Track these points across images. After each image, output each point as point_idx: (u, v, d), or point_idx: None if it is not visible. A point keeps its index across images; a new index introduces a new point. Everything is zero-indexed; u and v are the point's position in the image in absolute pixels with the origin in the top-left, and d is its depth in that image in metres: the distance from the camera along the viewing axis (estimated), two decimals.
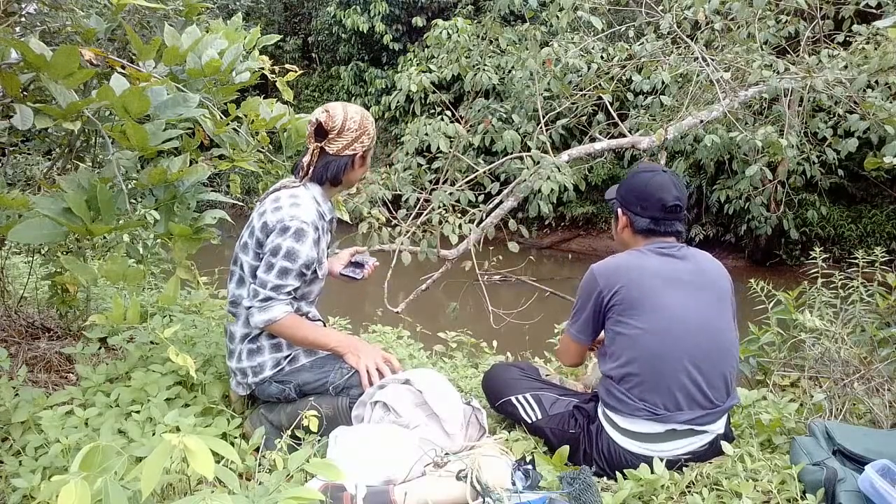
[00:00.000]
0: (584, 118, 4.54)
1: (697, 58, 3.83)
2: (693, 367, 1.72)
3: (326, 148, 1.90)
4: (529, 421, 1.98)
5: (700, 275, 1.81)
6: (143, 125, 1.65)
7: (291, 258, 1.81)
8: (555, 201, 3.43)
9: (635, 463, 1.72)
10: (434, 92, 4.44)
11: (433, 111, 4.69)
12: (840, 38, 4.07)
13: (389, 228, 3.46)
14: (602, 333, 1.89)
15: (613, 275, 1.80)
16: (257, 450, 1.70)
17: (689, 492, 1.65)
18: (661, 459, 1.70)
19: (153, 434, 1.75)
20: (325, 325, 2.14)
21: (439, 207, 3.48)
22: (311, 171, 1.93)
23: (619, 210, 1.92)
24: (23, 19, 2.13)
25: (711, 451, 1.79)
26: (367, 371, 1.87)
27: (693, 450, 1.77)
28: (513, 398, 2.03)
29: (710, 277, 1.83)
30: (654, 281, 1.77)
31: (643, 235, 1.87)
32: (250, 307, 1.85)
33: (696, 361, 1.73)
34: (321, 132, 1.89)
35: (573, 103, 4.36)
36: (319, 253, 1.92)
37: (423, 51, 5.27)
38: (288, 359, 1.95)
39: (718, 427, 1.78)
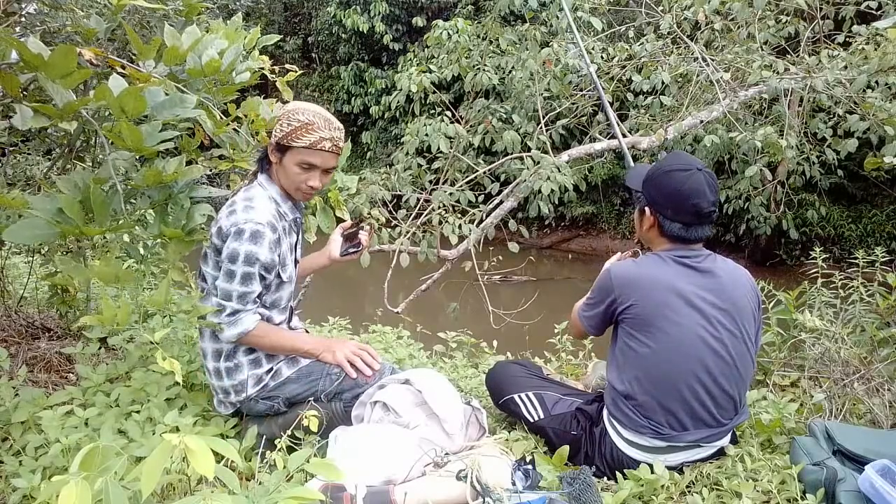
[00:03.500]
0: (584, 118, 4.53)
1: (697, 58, 3.83)
2: (702, 389, 1.68)
3: None
4: (531, 420, 1.98)
5: (720, 293, 1.71)
6: (139, 126, 1.65)
7: (250, 261, 1.75)
8: (555, 202, 3.42)
9: (636, 467, 1.72)
10: (434, 92, 4.44)
11: (433, 111, 4.68)
12: (840, 38, 4.06)
13: (389, 229, 3.45)
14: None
15: (630, 286, 1.73)
16: (253, 449, 1.69)
17: (689, 492, 1.66)
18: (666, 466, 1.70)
19: (153, 434, 1.75)
20: (307, 333, 2.09)
21: (439, 208, 3.47)
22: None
23: (648, 209, 1.80)
24: (23, 19, 2.13)
25: (714, 456, 1.80)
26: (350, 362, 1.85)
27: (697, 459, 1.77)
28: (515, 396, 2.02)
29: (730, 297, 1.72)
30: (671, 298, 1.69)
31: (670, 240, 1.77)
32: (219, 323, 1.79)
33: (706, 385, 1.68)
34: None
35: (573, 103, 4.36)
36: (281, 255, 1.84)
37: (423, 51, 5.26)
38: (270, 373, 1.88)
39: (724, 441, 1.78)
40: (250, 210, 1.78)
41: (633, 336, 1.73)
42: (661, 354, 1.69)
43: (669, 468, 1.71)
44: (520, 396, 2.02)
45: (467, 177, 3.76)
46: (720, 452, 1.79)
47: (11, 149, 2.52)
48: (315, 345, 1.90)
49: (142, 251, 2.32)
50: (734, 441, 1.84)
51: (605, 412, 1.83)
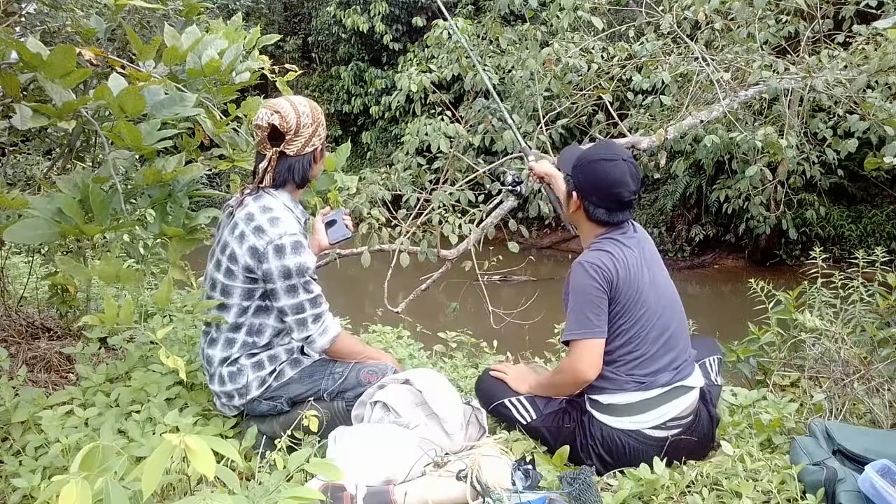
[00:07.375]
0: (584, 118, 4.53)
1: (697, 58, 3.83)
2: (667, 336, 1.83)
3: (286, 150, 1.80)
4: (524, 422, 1.98)
5: (650, 253, 1.91)
6: (138, 125, 1.65)
7: (302, 272, 1.78)
8: None
9: (629, 443, 1.77)
10: (434, 92, 4.44)
11: (433, 111, 4.69)
12: (840, 38, 4.06)
13: (389, 229, 3.46)
14: None
15: (609, 271, 1.80)
16: (254, 449, 1.70)
17: (689, 492, 1.66)
18: (654, 437, 1.78)
19: (153, 434, 1.75)
20: None
21: (439, 207, 3.48)
22: (272, 177, 1.83)
23: (575, 194, 1.91)
24: (23, 19, 2.13)
25: (698, 421, 1.83)
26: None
27: (679, 413, 1.80)
28: (506, 400, 2.01)
29: (650, 251, 1.91)
30: (632, 274, 1.82)
31: (596, 223, 1.90)
32: (308, 336, 1.83)
33: (668, 332, 1.84)
34: (277, 135, 1.79)
35: (573, 103, 4.35)
36: None
37: (423, 51, 5.26)
38: (273, 375, 1.89)
39: (697, 380, 1.86)
40: (278, 223, 1.78)
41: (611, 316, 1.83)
42: (636, 325, 1.81)
43: (660, 440, 1.76)
44: (510, 400, 2.01)
45: (467, 177, 3.77)
46: (705, 422, 1.84)
47: (11, 149, 2.53)
48: (382, 354, 2.07)
49: (141, 251, 2.32)
50: (714, 416, 1.90)
51: (584, 396, 1.88)
